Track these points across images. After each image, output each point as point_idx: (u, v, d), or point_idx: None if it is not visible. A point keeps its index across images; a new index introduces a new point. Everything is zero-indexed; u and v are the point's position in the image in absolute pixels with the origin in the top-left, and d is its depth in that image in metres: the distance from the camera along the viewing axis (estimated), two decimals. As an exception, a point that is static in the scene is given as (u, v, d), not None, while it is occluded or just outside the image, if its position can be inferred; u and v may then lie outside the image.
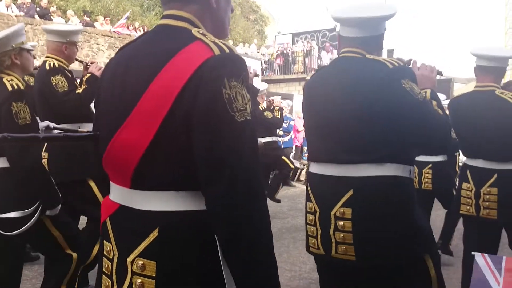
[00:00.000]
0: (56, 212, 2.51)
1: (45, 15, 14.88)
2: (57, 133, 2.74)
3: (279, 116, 8.01)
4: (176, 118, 1.04)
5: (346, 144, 1.82)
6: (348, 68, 1.90)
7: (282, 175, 7.10)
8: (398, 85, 1.73)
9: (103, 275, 1.21)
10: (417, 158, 4.29)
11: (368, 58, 1.87)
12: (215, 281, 1.08)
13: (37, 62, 3.75)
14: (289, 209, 7.30)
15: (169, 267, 1.09)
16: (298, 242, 5.18)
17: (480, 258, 2.03)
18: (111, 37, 16.06)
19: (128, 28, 17.22)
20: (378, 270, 1.82)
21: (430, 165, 4.21)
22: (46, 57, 3.30)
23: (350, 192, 1.80)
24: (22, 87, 2.45)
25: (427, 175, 4.23)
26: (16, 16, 13.78)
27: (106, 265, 1.19)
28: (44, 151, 3.12)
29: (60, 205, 2.55)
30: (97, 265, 3.32)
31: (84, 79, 3.32)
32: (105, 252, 1.21)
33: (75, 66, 3.84)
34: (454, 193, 4.44)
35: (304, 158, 11.15)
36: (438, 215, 5.23)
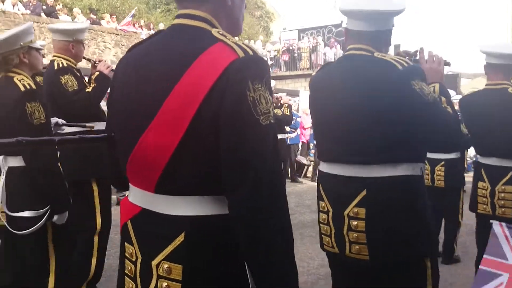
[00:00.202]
0: (63, 221, 2.51)
1: (51, 13, 14.94)
2: (72, 135, 2.73)
3: (288, 113, 7.95)
4: (204, 119, 1.03)
5: (358, 146, 1.82)
6: (357, 68, 1.88)
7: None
8: (409, 86, 1.72)
9: (126, 277, 1.21)
10: (430, 156, 4.23)
11: (377, 58, 1.85)
12: (240, 284, 1.08)
13: (46, 61, 3.75)
14: (296, 205, 7.29)
15: (195, 270, 1.09)
16: (305, 239, 5.18)
17: (498, 227, 2.06)
18: (118, 34, 16.10)
19: (134, 25, 17.27)
20: (389, 269, 1.82)
21: (443, 163, 4.16)
22: (53, 56, 3.28)
23: (364, 192, 1.80)
24: (34, 87, 2.45)
25: (439, 172, 4.18)
26: (22, 14, 13.85)
27: (129, 268, 1.20)
28: None
29: (67, 213, 2.54)
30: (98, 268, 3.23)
31: (93, 77, 3.31)
32: (127, 255, 1.21)
33: (82, 64, 3.84)
34: (461, 191, 4.41)
35: (310, 154, 11.14)
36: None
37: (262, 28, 28.73)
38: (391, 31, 1.96)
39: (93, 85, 3.24)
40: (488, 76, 2.97)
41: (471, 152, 9.31)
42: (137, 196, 1.19)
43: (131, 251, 1.19)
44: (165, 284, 1.10)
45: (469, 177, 4.22)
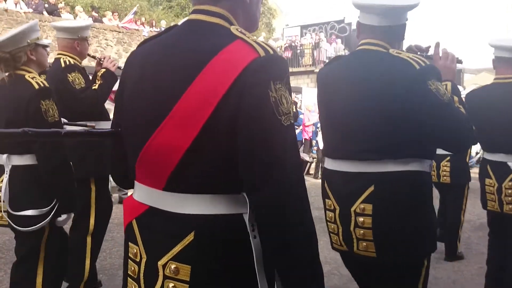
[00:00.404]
0: (65, 223, 2.49)
1: (53, 11, 14.96)
2: (79, 128, 2.71)
3: (294, 110, 7.97)
4: (221, 119, 1.01)
5: (369, 143, 1.80)
6: (372, 64, 1.86)
7: None
8: (425, 86, 1.70)
9: (129, 278, 1.18)
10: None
11: (393, 55, 1.82)
12: (249, 285, 1.07)
13: (49, 59, 3.73)
14: (300, 202, 7.26)
15: (204, 271, 1.06)
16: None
17: None
18: (120, 32, 16.08)
19: (136, 23, 17.24)
20: (396, 266, 1.82)
21: (448, 158, 4.13)
22: (58, 54, 3.26)
23: (371, 188, 1.78)
24: (47, 85, 2.45)
25: (445, 167, 4.15)
26: (24, 12, 13.87)
27: (132, 268, 1.16)
28: None
29: (72, 215, 2.52)
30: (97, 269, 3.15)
31: (99, 74, 3.29)
32: (130, 255, 1.17)
33: (85, 61, 3.83)
34: (466, 188, 4.37)
35: (313, 152, 11.11)
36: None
37: (265, 24, 28.62)
38: (404, 26, 1.93)
39: (100, 82, 3.22)
40: (497, 70, 2.95)
41: (474, 148, 9.27)
42: (143, 194, 1.16)
43: (135, 251, 1.15)
44: (171, 285, 1.06)
45: (473, 173, 4.19)
